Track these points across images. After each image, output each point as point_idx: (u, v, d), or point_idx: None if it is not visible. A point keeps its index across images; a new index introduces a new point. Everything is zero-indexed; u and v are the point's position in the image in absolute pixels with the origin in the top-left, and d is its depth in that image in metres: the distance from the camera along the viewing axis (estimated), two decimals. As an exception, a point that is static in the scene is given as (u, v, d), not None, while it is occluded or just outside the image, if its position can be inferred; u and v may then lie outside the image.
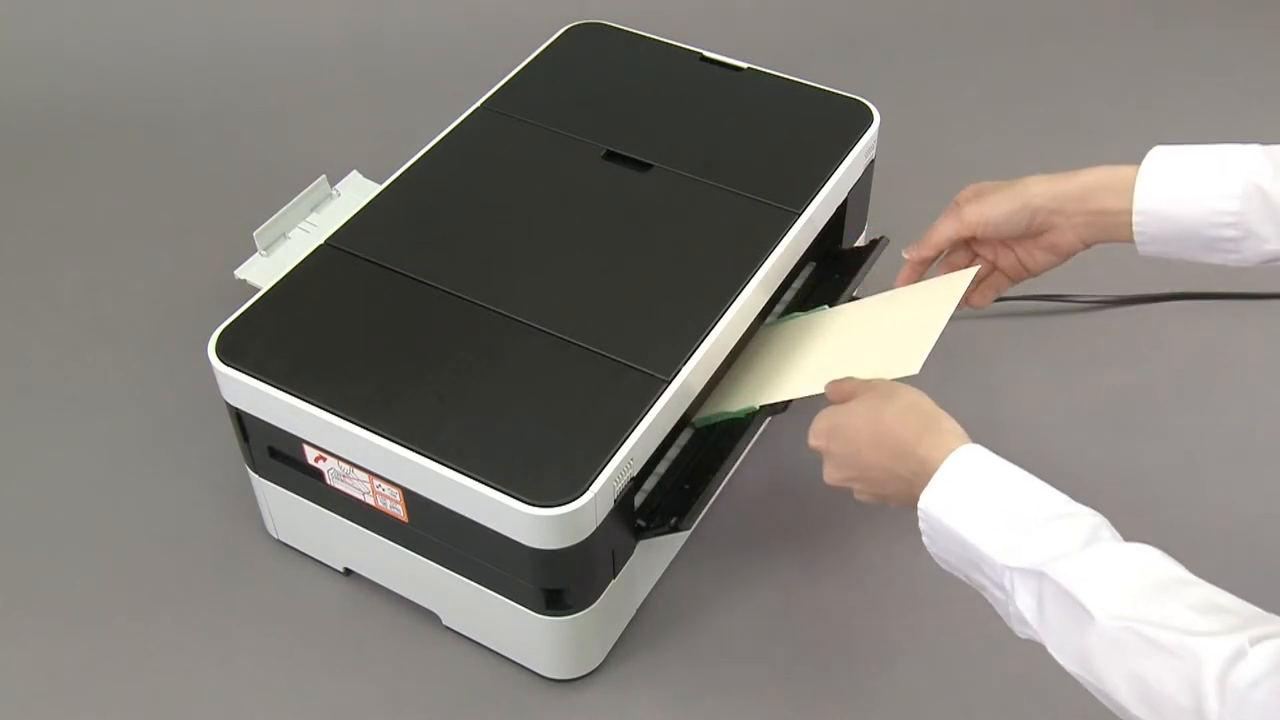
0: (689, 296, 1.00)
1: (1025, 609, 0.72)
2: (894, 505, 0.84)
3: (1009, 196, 0.93)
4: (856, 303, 1.08)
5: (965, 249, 1.00)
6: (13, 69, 1.60)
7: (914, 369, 0.89)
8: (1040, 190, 0.92)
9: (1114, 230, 0.90)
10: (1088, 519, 0.72)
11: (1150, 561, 0.69)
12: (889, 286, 1.04)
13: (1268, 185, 0.84)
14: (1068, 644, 0.69)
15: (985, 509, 0.75)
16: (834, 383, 0.91)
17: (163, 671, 1.02)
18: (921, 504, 0.77)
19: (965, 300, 0.98)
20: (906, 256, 1.01)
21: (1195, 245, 0.88)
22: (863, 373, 0.91)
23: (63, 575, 1.08)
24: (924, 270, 1.03)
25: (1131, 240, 0.90)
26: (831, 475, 0.88)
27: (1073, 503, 0.74)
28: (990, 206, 0.94)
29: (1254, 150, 0.86)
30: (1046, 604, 0.70)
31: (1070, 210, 0.91)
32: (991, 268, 0.99)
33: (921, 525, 0.78)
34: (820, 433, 0.87)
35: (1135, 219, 0.88)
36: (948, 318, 0.94)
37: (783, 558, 1.09)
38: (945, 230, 0.97)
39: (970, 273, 0.97)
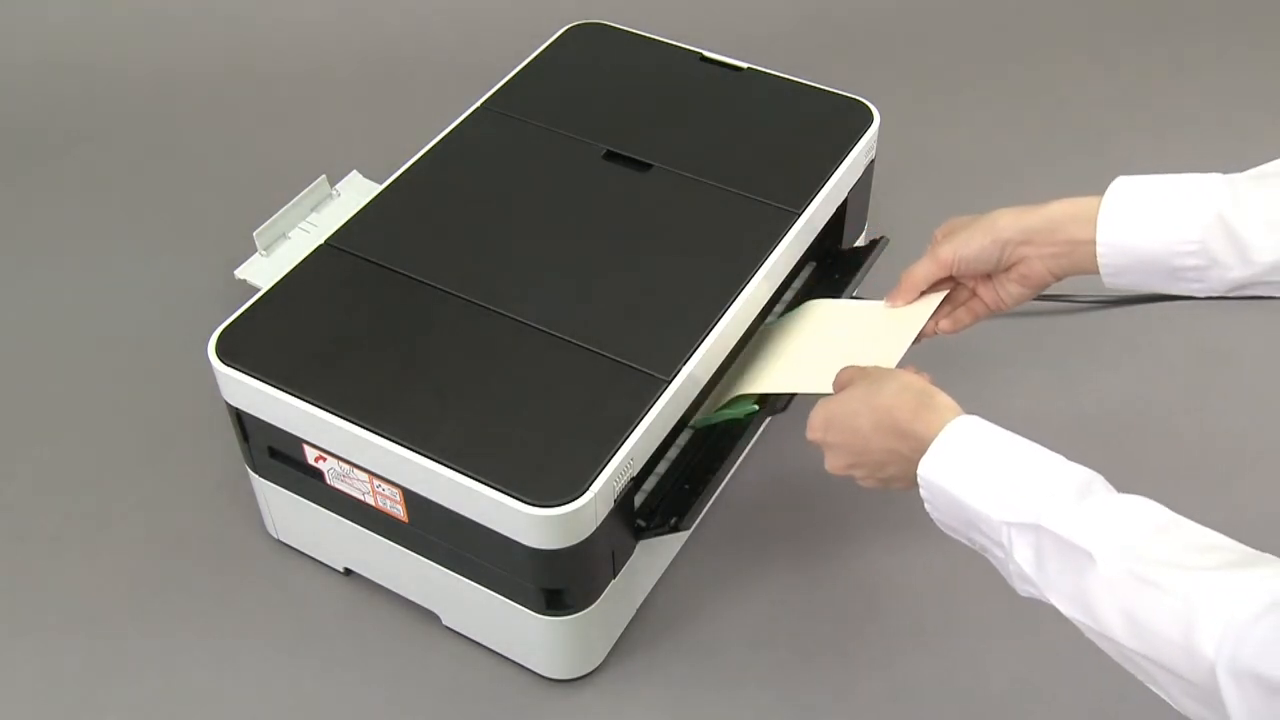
0: (689, 296, 1.00)
1: (1024, 562, 0.73)
2: (898, 489, 0.85)
3: (979, 231, 0.94)
4: (839, 302, 1.08)
5: (950, 284, 1.00)
6: (12, 69, 1.61)
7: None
8: (1008, 224, 0.92)
9: (1082, 261, 0.90)
10: (1081, 474, 0.74)
11: (1145, 509, 0.71)
12: (889, 286, 1.04)
13: (1228, 213, 0.84)
14: (1067, 590, 0.71)
15: (981, 471, 0.76)
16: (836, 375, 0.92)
17: (163, 671, 1.02)
18: (920, 471, 0.78)
19: (936, 325, 1.00)
20: (887, 304, 1.01)
21: (1160, 275, 0.88)
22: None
23: (63, 575, 1.08)
24: None
25: (1099, 271, 0.91)
26: (833, 464, 0.88)
27: (1067, 461, 0.75)
28: (962, 244, 0.94)
29: (1214, 179, 0.86)
30: (1045, 555, 0.72)
31: (1038, 242, 0.91)
32: (971, 293, 0.99)
33: (923, 493, 0.79)
34: (817, 425, 0.88)
35: (1099, 250, 0.89)
36: (919, 328, 0.97)
37: (782, 558, 1.09)
38: (923, 272, 0.98)
39: (941, 294, 0.99)
